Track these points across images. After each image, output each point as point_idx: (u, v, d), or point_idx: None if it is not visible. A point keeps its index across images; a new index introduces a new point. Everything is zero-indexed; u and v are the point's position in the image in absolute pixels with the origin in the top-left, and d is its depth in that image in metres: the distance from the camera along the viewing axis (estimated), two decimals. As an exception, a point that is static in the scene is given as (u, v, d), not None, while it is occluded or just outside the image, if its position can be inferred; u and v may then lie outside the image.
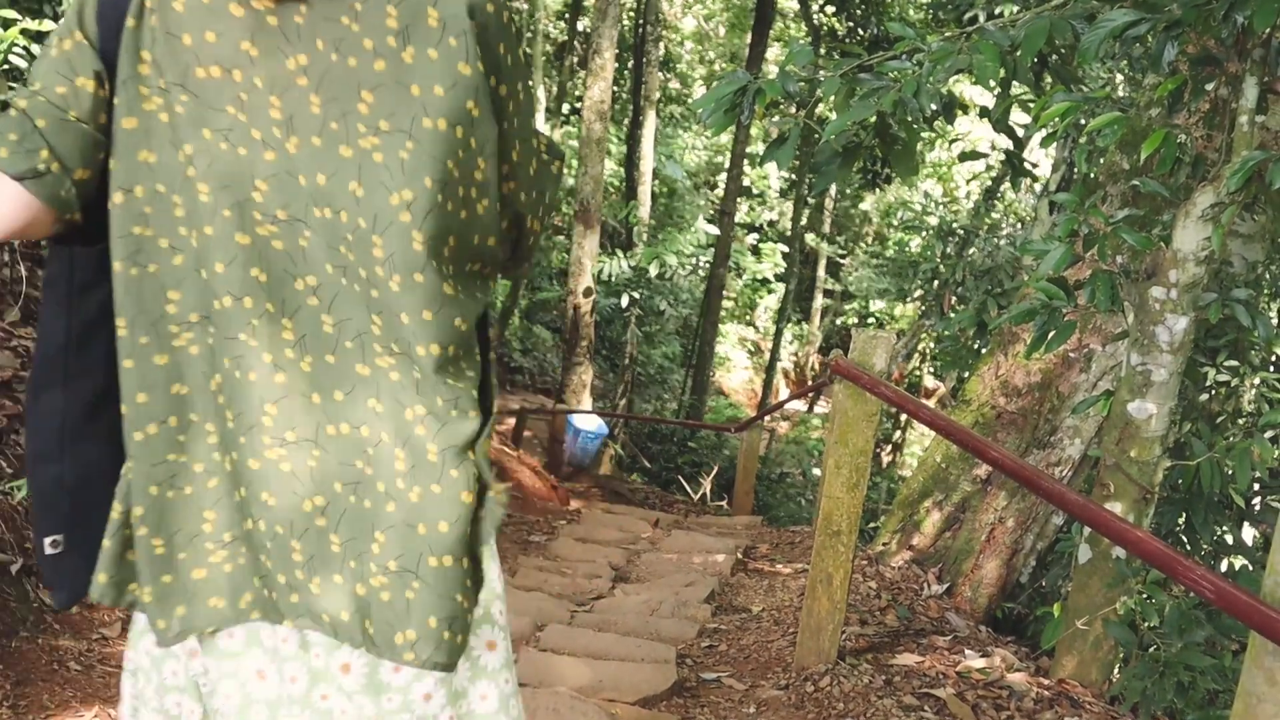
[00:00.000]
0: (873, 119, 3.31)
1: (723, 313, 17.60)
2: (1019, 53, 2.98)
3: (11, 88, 4.41)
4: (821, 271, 22.05)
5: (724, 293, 15.88)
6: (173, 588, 1.14)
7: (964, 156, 5.01)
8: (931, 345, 12.94)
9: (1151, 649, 2.93)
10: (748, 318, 22.75)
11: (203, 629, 1.14)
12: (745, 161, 14.44)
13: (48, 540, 1.14)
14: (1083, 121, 3.24)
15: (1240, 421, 3.91)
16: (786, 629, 3.79)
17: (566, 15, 15.76)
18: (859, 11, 12.47)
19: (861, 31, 12.40)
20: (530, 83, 1.18)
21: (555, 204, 1.24)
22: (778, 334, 16.54)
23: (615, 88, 14.64)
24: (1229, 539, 3.98)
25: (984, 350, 5.24)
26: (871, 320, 18.98)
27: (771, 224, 22.73)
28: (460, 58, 1.04)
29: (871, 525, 6.14)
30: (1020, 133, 5.03)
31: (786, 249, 19.21)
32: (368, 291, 1.06)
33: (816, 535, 3.11)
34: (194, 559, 1.14)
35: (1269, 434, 3.52)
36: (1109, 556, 3.10)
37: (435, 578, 1.10)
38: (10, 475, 3.23)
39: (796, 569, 4.85)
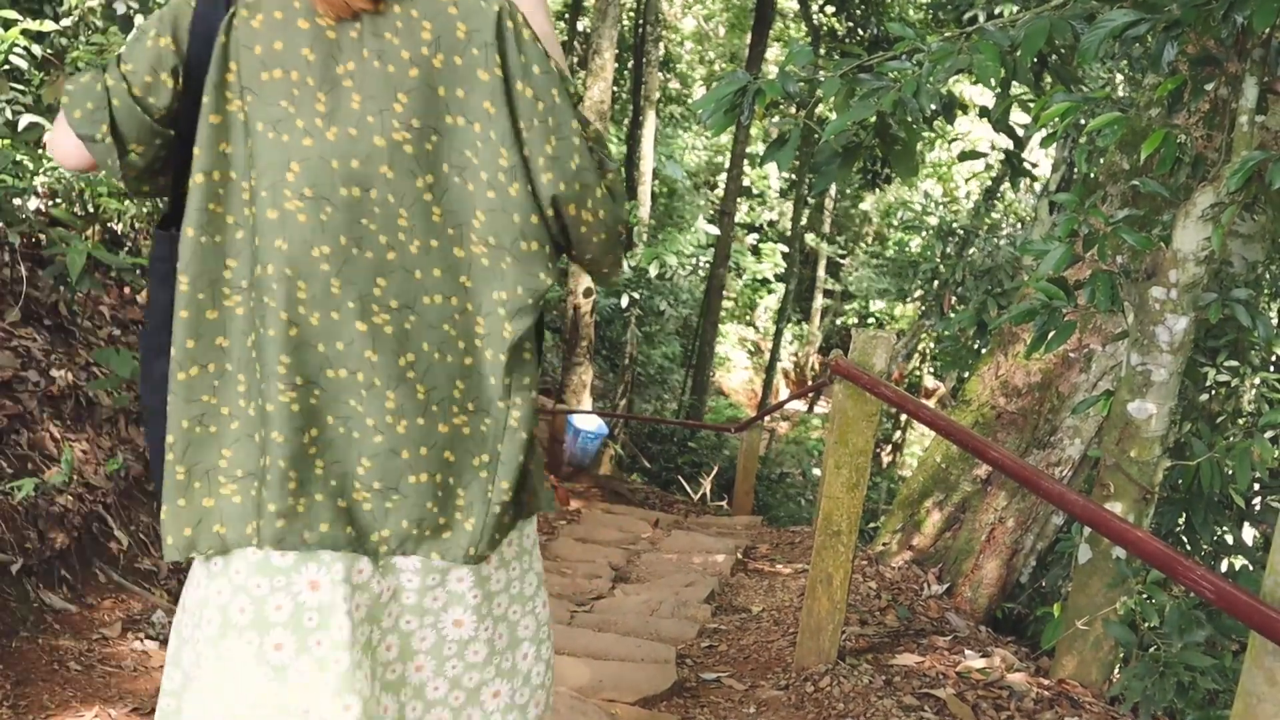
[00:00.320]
0: (873, 119, 3.31)
1: (723, 313, 17.60)
2: (1019, 53, 2.98)
3: (13, 88, 4.41)
4: (821, 271, 22.04)
5: (724, 293, 15.88)
6: (184, 511, 1.31)
7: (964, 156, 5.01)
8: (931, 345, 12.94)
9: (1152, 649, 2.93)
10: (748, 318, 22.74)
11: (204, 551, 1.30)
12: (745, 161, 14.44)
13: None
14: (1083, 121, 3.24)
15: (1240, 421, 3.91)
16: (786, 629, 3.80)
17: (566, 15, 15.76)
18: (859, 12, 12.47)
19: (861, 32, 12.40)
20: (570, 90, 1.33)
21: (619, 213, 1.38)
22: (778, 334, 16.53)
23: (615, 88, 14.64)
24: (1229, 539, 3.98)
25: (984, 350, 5.24)
26: (871, 320, 18.98)
27: (771, 224, 22.72)
28: (480, 65, 1.26)
29: (872, 525, 6.14)
30: (1020, 133, 5.03)
31: (786, 249, 19.21)
32: (382, 257, 1.28)
33: (816, 535, 3.11)
34: (206, 489, 1.31)
35: (1269, 434, 3.52)
36: (1109, 556, 3.10)
37: (413, 492, 1.32)
38: (11, 475, 3.23)
39: (796, 569, 4.85)
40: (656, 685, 3.03)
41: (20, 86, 4.48)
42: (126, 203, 4.58)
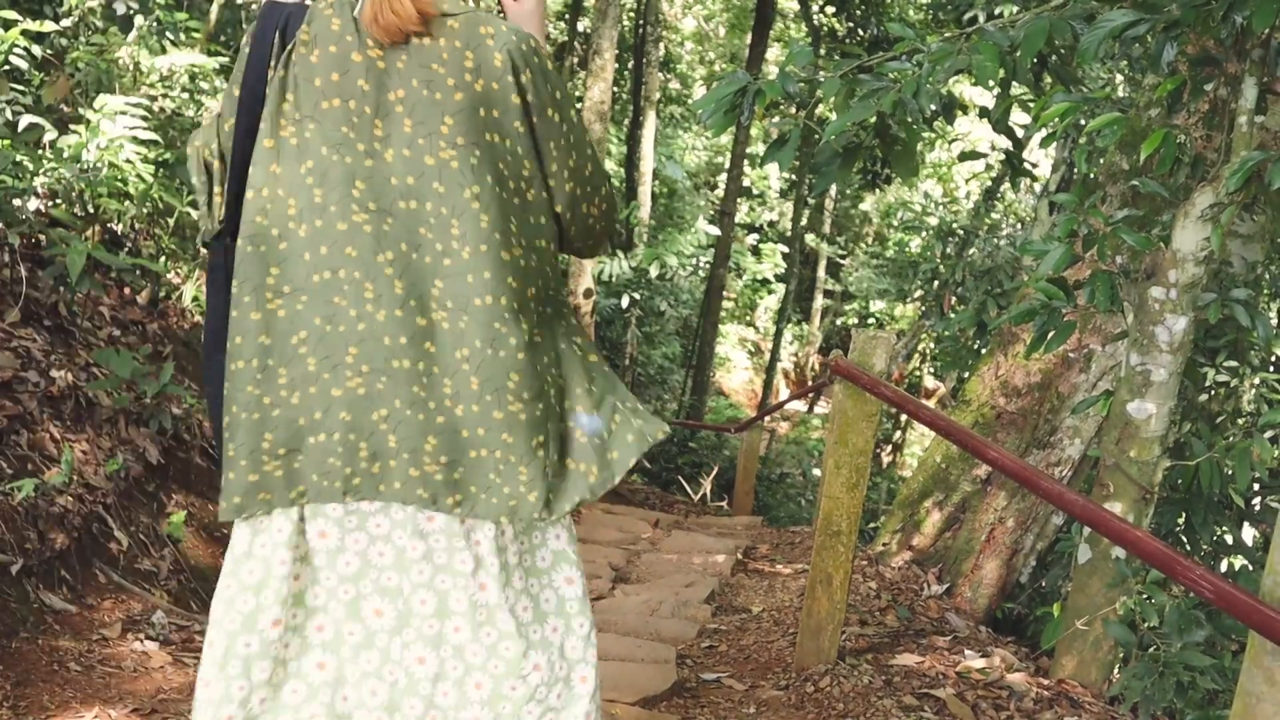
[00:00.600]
0: (872, 119, 3.31)
1: (723, 313, 17.60)
2: (1018, 53, 2.98)
3: (13, 88, 4.42)
4: (822, 272, 22.03)
5: (724, 293, 15.88)
6: (233, 483, 1.51)
7: (964, 157, 5.01)
8: (931, 345, 12.94)
9: (1151, 649, 2.93)
10: (748, 318, 22.74)
11: (252, 514, 1.51)
12: (745, 162, 14.44)
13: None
14: (1082, 122, 3.24)
15: (1240, 421, 3.91)
16: (786, 629, 3.80)
17: (566, 16, 15.76)
18: (859, 12, 12.47)
19: (861, 32, 12.40)
20: (579, 110, 1.57)
21: (616, 208, 1.62)
22: (778, 334, 16.53)
23: (615, 88, 14.64)
24: (1229, 539, 3.98)
25: (984, 350, 5.25)
26: (872, 320, 18.97)
27: (772, 224, 22.72)
28: (513, 90, 1.45)
29: (872, 525, 6.14)
30: (1020, 133, 5.03)
31: (786, 249, 19.21)
32: (439, 261, 1.45)
33: (816, 535, 3.11)
34: (251, 466, 1.50)
35: (1269, 434, 3.51)
36: (1109, 556, 3.10)
37: (475, 465, 1.50)
38: (11, 476, 3.23)
39: (796, 569, 4.85)
40: (657, 685, 3.03)
41: (20, 87, 4.49)
42: (126, 203, 4.58)
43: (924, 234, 9.26)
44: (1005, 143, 4.38)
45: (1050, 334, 3.15)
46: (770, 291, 21.95)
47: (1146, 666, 2.90)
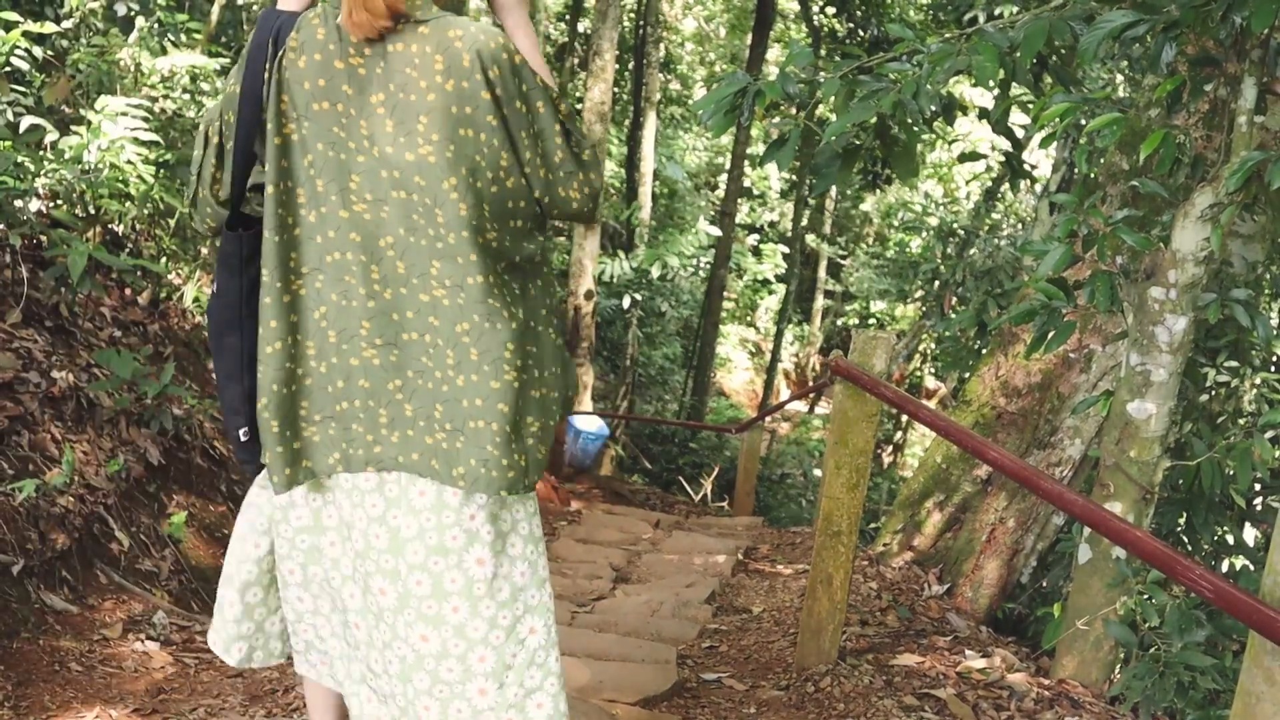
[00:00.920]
0: (872, 120, 3.31)
1: (723, 314, 17.59)
2: (1018, 54, 2.98)
3: (14, 89, 4.42)
4: (822, 272, 22.03)
5: (725, 294, 15.88)
6: (281, 455, 1.64)
7: (964, 157, 5.01)
8: (932, 346, 12.94)
9: (1152, 649, 2.93)
10: (748, 319, 22.73)
11: (301, 483, 1.66)
12: (746, 162, 14.44)
13: (240, 431, 1.70)
14: (1082, 122, 3.24)
15: (1240, 422, 3.91)
16: (787, 629, 3.80)
17: (567, 17, 15.76)
18: (859, 13, 12.47)
19: (861, 33, 12.40)
20: (552, 97, 1.63)
21: (595, 184, 1.70)
22: (778, 335, 16.52)
23: (616, 89, 14.64)
24: (1229, 539, 3.97)
25: (984, 351, 5.25)
26: (872, 321, 18.97)
27: (772, 225, 22.71)
28: (482, 87, 1.55)
29: (872, 526, 6.14)
30: (1020, 133, 5.03)
31: (787, 250, 19.20)
32: (434, 244, 1.58)
33: (817, 536, 3.11)
34: (294, 436, 1.65)
35: (1269, 434, 3.51)
36: (1109, 557, 3.10)
37: (474, 435, 1.60)
38: (12, 476, 3.23)
39: (797, 570, 4.85)
40: (657, 685, 3.04)
41: (21, 88, 4.49)
42: (127, 204, 4.59)
43: (924, 234, 9.26)
44: (1005, 143, 4.38)
45: (1050, 334, 3.15)
46: (771, 292, 21.95)
47: (1147, 666, 2.90)
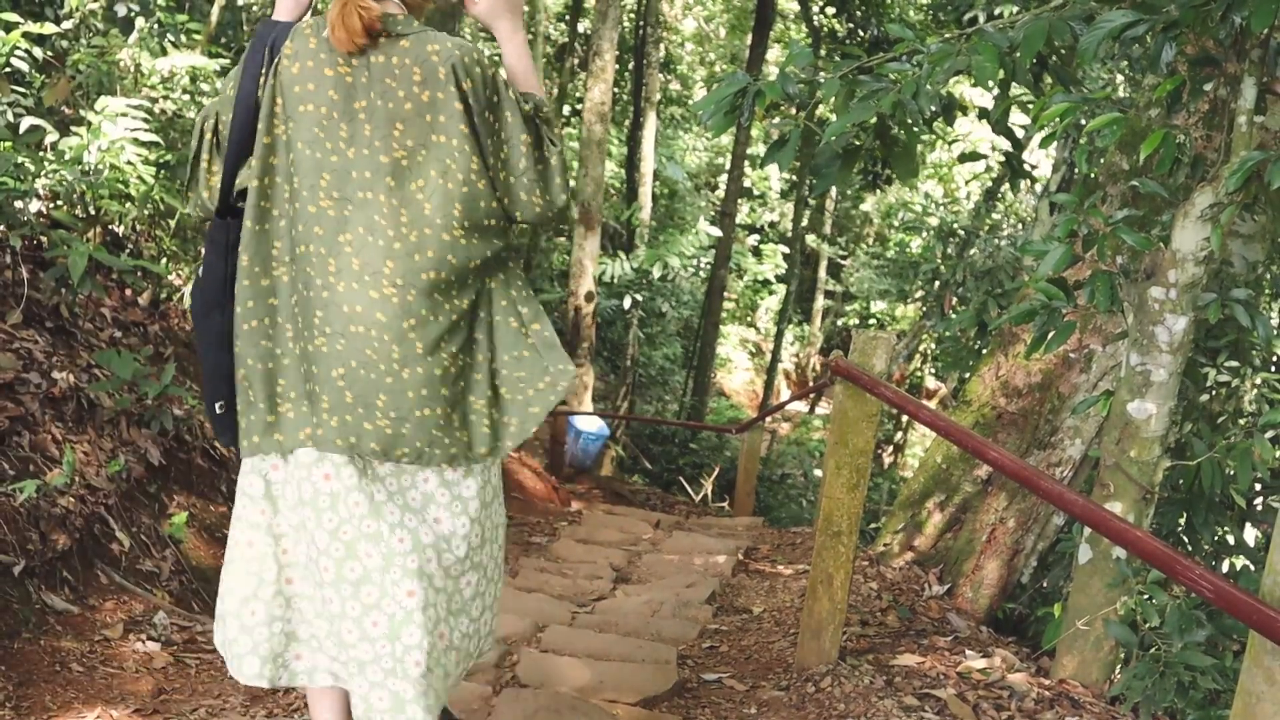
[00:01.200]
0: (872, 120, 3.31)
1: (724, 314, 17.59)
2: (1018, 54, 2.98)
3: (14, 90, 4.42)
4: (822, 272, 22.02)
5: (725, 294, 15.87)
6: (254, 424, 1.80)
7: (964, 158, 5.01)
8: (932, 346, 12.93)
9: (1152, 649, 2.93)
10: (749, 319, 22.73)
11: (267, 452, 1.80)
12: (746, 163, 14.44)
13: (217, 404, 1.83)
14: (1082, 122, 3.24)
15: (1241, 421, 3.91)
16: (787, 630, 3.80)
17: (567, 17, 15.76)
18: (859, 13, 12.47)
19: (861, 33, 12.40)
20: (524, 107, 1.79)
21: (557, 197, 1.83)
22: (779, 335, 16.52)
23: (616, 89, 14.64)
24: (1230, 539, 3.97)
25: (984, 351, 5.24)
26: (873, 321, 18.96)
27: (772, 225, 22.70)
28: (455, 98, 1.71)
29: (873, 526, 6.14)
30: (1020, 134, 5.02)
31: (787, 250, 19.20)
32: (390, 245, 1.72)
33: (817, 536, 3.12)
34: (268, 409, 1.79)
35: (1269, 434, 3.51)
36: (1109, 557, 3.10)
37: (419, 421, 1.77)
38: (13, 477, 3.23)
39: (797, 570, 4.85)
40: (658, 686, 3.04)
41: (21, 89, 4.49)
42: (127, 205, 4.59)
43: (924, 235, 9.26)
44: (1005, 144, 4.38)
45: (1050, 334, 3.15)
46: (771, 292, 21.94)
47: (1147, 666, 2.90)
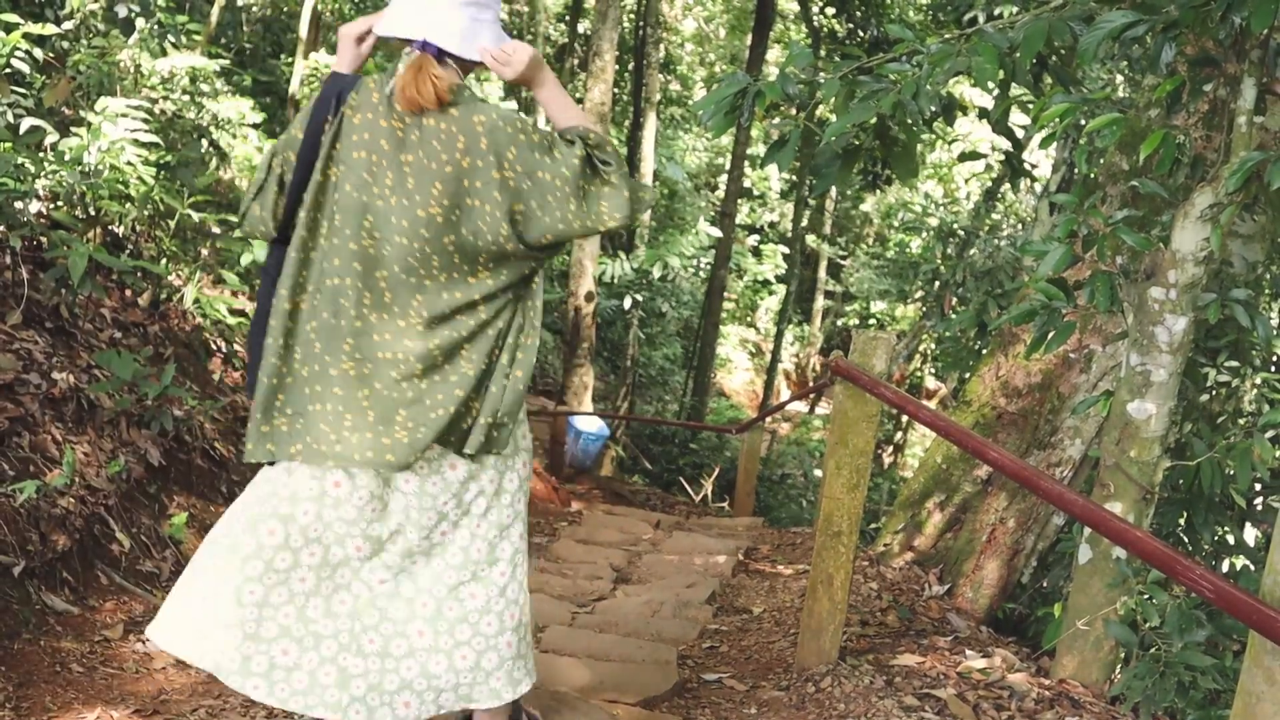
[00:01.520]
0: (872, 121, 3.31)
1: (724, 314, 17.59)
2: (1018, 54, 2.98)
3: (14, 91, 4.42)
4: (822, 273, 22.02)
5: (725, 294, 15.87)
6: (250, 432, 1.96)
7: (964, 157, 5.02)
8: (932, 346, 12.94)
9: (1152, 649, 2.93)
10: (749, 319, 22.74)
11: (258, 460, 1.95)
12: (746, 163, 14.44)
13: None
14: (1082, 122, 3.24)
15: (1241, 422, 3.91)
16: (788, 630, 3.80)
17: (566, 18, 15.77)
18: (859, 13, 12.47)
19: (861, 33, 12.40)
20: (570, 151, 1.92)
21: (621, 201, 1.97)
22: (779, 335, 16.52)
23: (616, 90, 14.64)
24: (1230, 539, 3.97)
25: (984, 351, 5.25)
26: (872, 321, 18.96)
27: (772, 225, 22.71)
28: (494, 168, 1.89)
29: (873, 526, 6.14)
30: (1020, 134, 5.02)
31: (787, 250, 19.20)
32: (421, 283, 1.93)
33: (817, 536, 3.12)
34: (264, 420, 1.94)
35: (1269, 434, 3.51)
36: (1109, 557, 3.10)
37: (431, 428, 1.94)
38: (13, 477, 3.23)
39: (797, 570, 4.85)
40: (658, 686, 3.04)
41: (22, 90, 4.49)
42: (127, 205, 4.59)
43: (924, 235, 9.26)
44: (1005, 144, 4.38)
45: (1050, 334, 3.15)
46: (771, 292, 21.95)
47: (1147, 666, 2.90)
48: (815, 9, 13.78)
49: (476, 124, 1.88)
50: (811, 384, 18.49)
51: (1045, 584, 4.56)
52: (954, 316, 6.71)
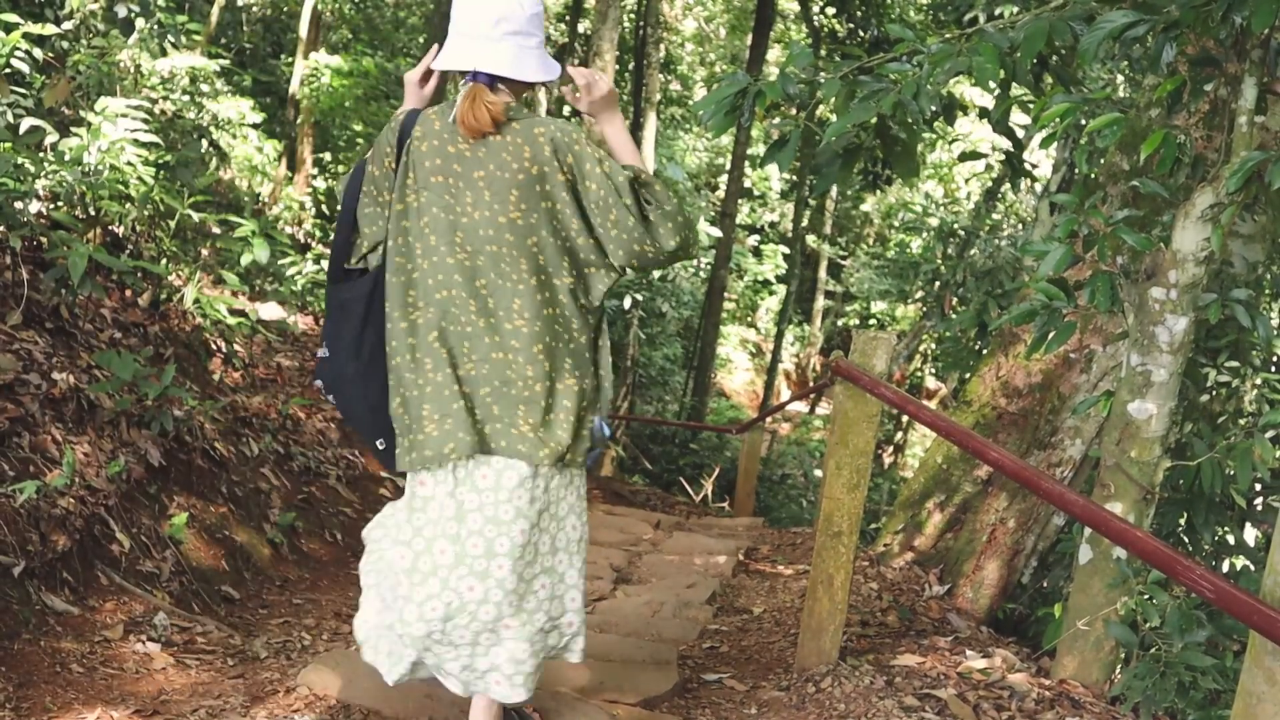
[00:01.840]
0: (873, 121, 3.31)
1: (724, 314, 17.59)
2: (1018, 54, 2.98)
3: (14, 91, 4.42)
4: (823, 273, 22.02)
5: (725, 294, 15.87)
6: (406, 444, 2.18)
7: (964, 157, 5.02)
8: (933, 346, 12.93)
9: (1152, 649, 2.93)
10: (749, 319, 22.74)
11: (421, 466, 2.17)
12: (746, 163, 14.44)
13: (378, 442, 2.29)
14: (1082, 122, 3.23)
15: (1241, 422, 3.90)
16: (788, 630, 3.80)
17: (567, 18, 15.77)
18: (859, 13, 12.47)
19: (862, 33, 12.40)
20: (616, 181, 2.13)
21: (667, 236, 2.18)
22: (779, 335, 16.52)
23: (616, 90, 14.62)
24: (1230, 539, 3.97)
25: (985, 351, 5.24)
26: (873, 321, 18.96)
27: (772, 225, 22.71)
28: (558, 171, 2.12)
29: (873, 526, 6.14)
30: (1020, 134, 5.02)
31: (787, 250, 19.20)
32: (516, 286, 2.14)
33: (817, 536, 3.11)
34: (419, 429, 2.16)
35: (1270, 434, 3.51)
36: (1110, 557, 3.10)
37: (550, 424, 2.16)
38: (12, 478, 3.23)
39: (798, 570, 4.85)
40: (658, 686, 3.04)
41: (21, 90, 4.50)
42: (127, 206, 4.59)
43: (925, 235, 9.26)
44: (1005, 143, 4.39)
45: (1051, 334, 3.15)
46: (771, 293, 21.95)
47: (1148, 667, 2.90)
48: (815, 9, 13.77)
49: (539, 134, 2.10)
50: (812, 384, 18.49)
51: (1045, 584, 4.55)
52: (954, 316, 6.71)
